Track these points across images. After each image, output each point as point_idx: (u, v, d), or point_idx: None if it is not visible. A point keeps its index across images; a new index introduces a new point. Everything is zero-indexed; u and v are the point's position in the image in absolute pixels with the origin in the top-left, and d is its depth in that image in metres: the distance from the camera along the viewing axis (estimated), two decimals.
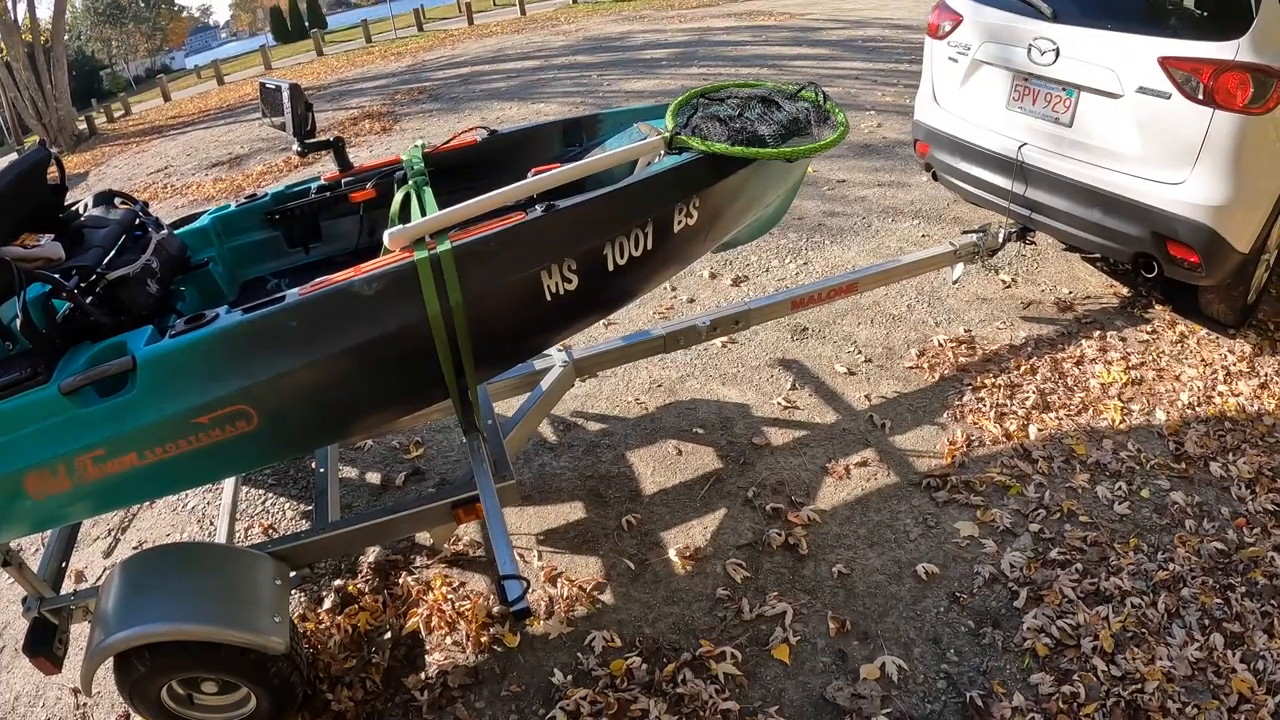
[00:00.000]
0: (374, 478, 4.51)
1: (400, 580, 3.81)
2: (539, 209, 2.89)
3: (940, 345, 5.05)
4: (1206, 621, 3.25)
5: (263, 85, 3.88)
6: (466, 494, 3.18)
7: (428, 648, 3.50)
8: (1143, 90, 4.26)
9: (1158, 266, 4.53)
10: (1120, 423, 4.30)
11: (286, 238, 3.92)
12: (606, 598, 3.60)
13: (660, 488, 4.17)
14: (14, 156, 3.22)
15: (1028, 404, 4.47)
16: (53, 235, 3.15)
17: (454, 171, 3.89)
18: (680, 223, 3.23)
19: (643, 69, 13.99)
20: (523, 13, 28.13)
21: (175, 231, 3.66)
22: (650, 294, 5.43)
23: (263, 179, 11.23)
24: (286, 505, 4.43)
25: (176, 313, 3.34)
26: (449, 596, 3.67)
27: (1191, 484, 3.91)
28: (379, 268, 2.73)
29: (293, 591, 3.79)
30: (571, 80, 14.04)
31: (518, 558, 3.84)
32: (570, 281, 3.01)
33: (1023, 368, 4.76)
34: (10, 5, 21.08)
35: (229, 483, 3.94)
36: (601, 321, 5.39)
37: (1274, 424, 4.22)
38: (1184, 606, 3.31)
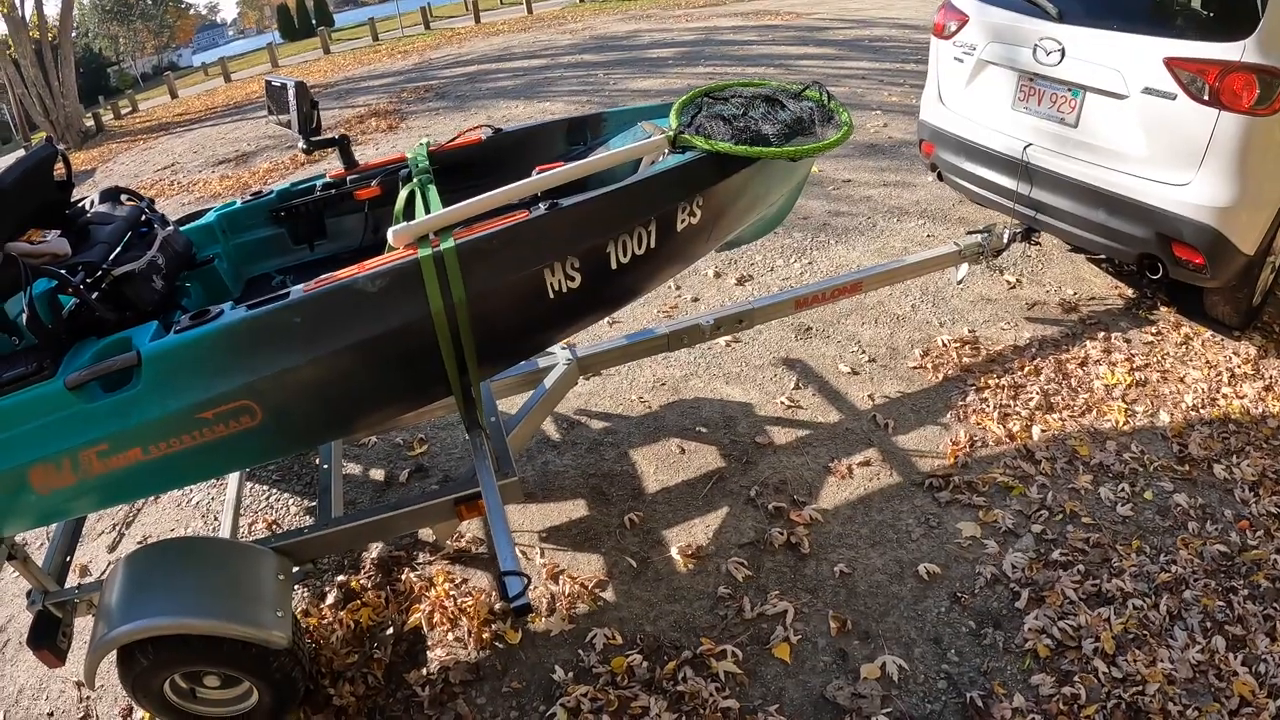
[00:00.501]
0: (377, 474, 4.52)
1: (403, 576, 3.82)
2: (542, 207, 2.90)
3: (944, 345, 5.04)
4: (1208, 624, 3.24)
5: (268, 83, 3.90)
6: (469, 491, 3.19)
7: (429, 644, 3.51)
8: (1148, 91, 4.25)
9: (1163, 268, 4.52)
10: (1124, 424, 4.30)
11: (291, 235, 3.93)
12: (608, 595, 3.61)
13: (663, 486, 4.17)
14: (21, 153, 3.23)
15: (1031, 405, 4.46)
16: (59, 231, 3.15)
17: (458, 169, 3.90)
18: (683, 222, 3.23)
19: (649, 68, 13.99)
20: (530, 11, 28.16)
21: (181, 228, 3.68)
22: (654, 292, 5.43)
23: (269, 176, 11.25)
24: (290, 501, 4.44)
25: (181, 309, 3.35)
26: (451, 593, 3.68)
27: (1195, 486, 3.90)
28: (383, 265, 2.74)
29: (296, 587, 3.80)
30: (578, 79, 14.04)
31: (519, 554, 3.85)
32: (573, 280, 3.02)
33: (1026, 368, 4.76)
34: (18, 2, 21.13)
35: (233, 478, 3.96)
36: (605, 319, 5.40)
37: (1278, 427, 4.21)
38: (1186, 609, 3.31)
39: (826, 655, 3.26)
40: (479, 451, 3.18)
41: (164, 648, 2.84)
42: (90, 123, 23.39)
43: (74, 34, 26.39)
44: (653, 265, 3.28)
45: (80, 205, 3.45)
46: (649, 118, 3.91)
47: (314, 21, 52.94)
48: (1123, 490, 3.89)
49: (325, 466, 3.82)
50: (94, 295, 2.84)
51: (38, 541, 4.41)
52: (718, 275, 6.21)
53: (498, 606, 3.60)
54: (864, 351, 5.08)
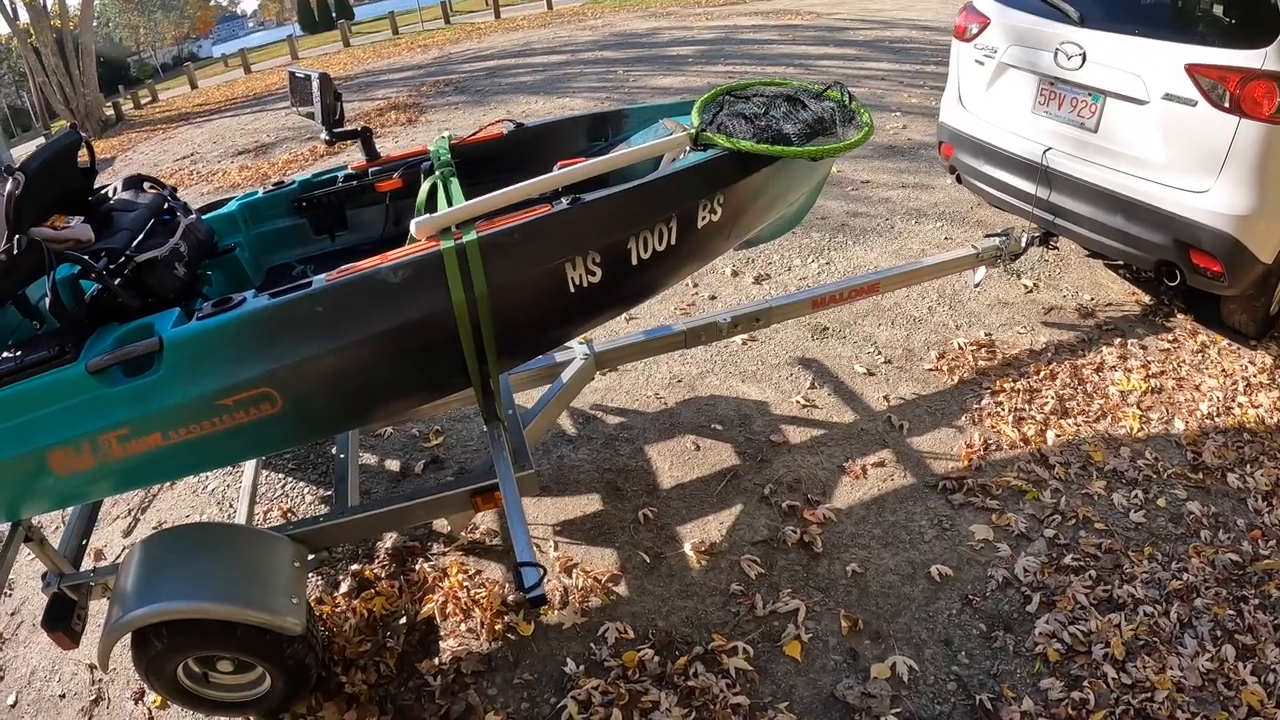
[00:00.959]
0: (393, 465, 4.55)
1: (417, 566, 3.84)
2: (565, 202, 2.91)
3: (960, 348, 5.05)
4: (1218, 633, 3.24)
5: (292, 74, 3.92)
6: (485, 482, 3.21)
7: (442, 634, 3.53)
8: (1169, 97, 4.24)
9: (1180, 275, 4.51)
10: (1138, 431, 4.30)
11: (313, 225, 3.95)
12: (621, 590, 3.63)
13: (677, 482, 4.19)
14: (41, 141, 3.26)
15: (1046, 409, 4.46)
16: (82, 218, 3.18)
17: (479, 163, 3.92)
18: (704, 219, 3.25)
19: (669, 66, 13.99)
20: (549, 7, 28.17)
21: (203, 217, 3.70)
22: (672, 290, 5.45)
23: (288, 167, 11.29)
24: (305, 489, 4.48)
25: (203, 296, 3.37)
26: (464, 584, 3.70)
27: (1208, 494, 3.90)
28: (405, 256, 2.76)
29: (310, 575, 3.82)
30: (597, 76, 14.05)
31: (534, 546, 3.87)
32: (594, 274, 3.03)
33: (1042, 373, 4.76)
34: None
35: (249, 465, 3.98)
36: (623, 316, 5.42)
37: None
38: (1196, 617, 3.31)
39: (837, 654, 3.28)
40: (497, 443, 3.19)
41: (179, 632, 2.85)
42: (110, 112, 23.51)
43: (94, 23, 26.50)
44: (673, 262, 3.30)
45: (103, 193, 3.46)
46: (670, 115, 3.93)
47: (334, 14, 53.11)
48: (1136, 497, 3.89)
49: (342, 456, 3.83)
50: (117, 281, 2.85)
51: (53, 525, 4.44)
52: (735, 274, 6.23)
53: (511, 598, 3.62)
54: (880, 353, 5.09)
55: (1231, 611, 3.32)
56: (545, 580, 3.60)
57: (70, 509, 3.71)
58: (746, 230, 3.67)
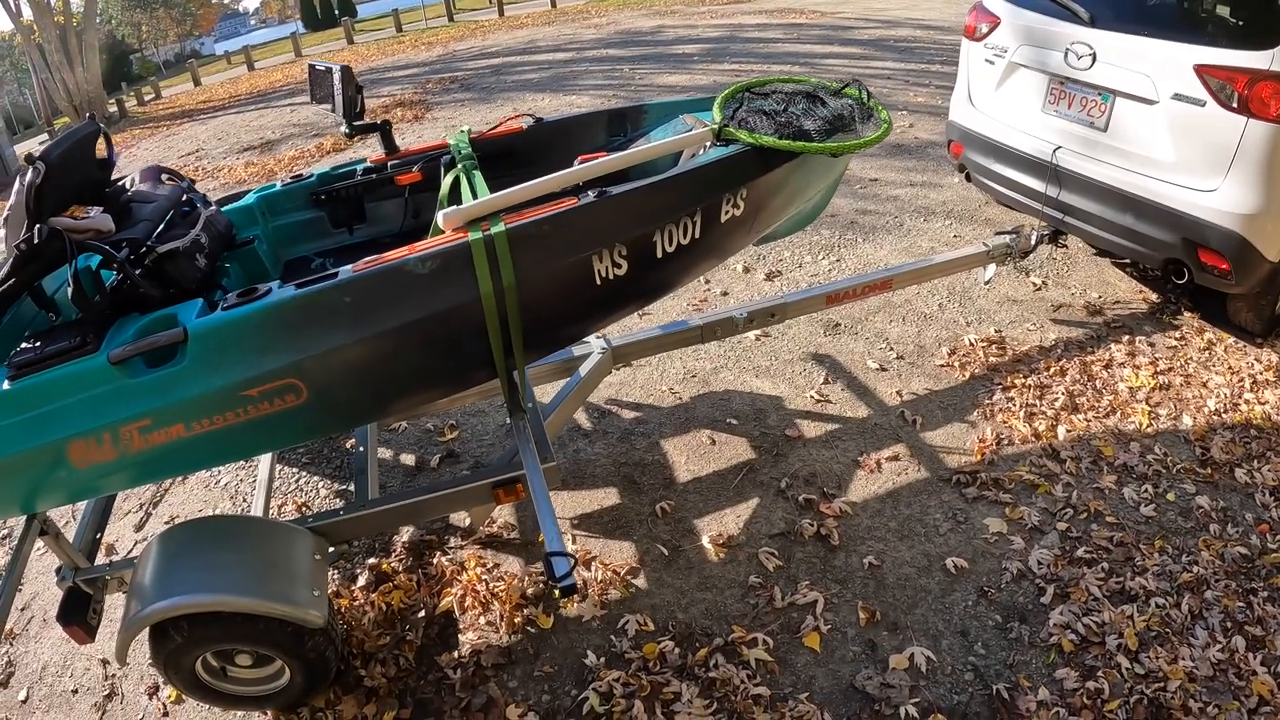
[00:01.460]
0: (409, 459, 4.58)
1: (435, 560, 3.87)
2: (591, 194, 2.93)
3: (971, 345, 5.09)
4: (1229, 624, 3.28)
5: (312, 67, 3.94)
6: (508, 475, 3.22)
7: (461, 627, 3.56)
8: (1178, 97, 4.28)
9: (1188, 273, 4.55)
10: (1147, 426, 4.34)
11: (331, 218, 3.97)
12: (640, 582, 3.67)
13: (694, 476, 4.23)
14: (44, 138, 3.25)
15: (1057, 405, 4.50)
16: (101, 208, 3.15)
17: (499, 157, 3.95)
18: (727, 213, 3.28)
19: (675, 64, 13.99)
20: (553, 5, 28.13)
21: (221, 209, 3.70)
22: (685, 286, 5.48)
23: (294, 163, 11.30)
24: (320, 483, 4.50)
25: (222, 288, 3.38)
26: (483, 577, 3.73)
27: (1217, 489, 3.94)
28: (434, 247, 2.77)
29: (329, 568, 3.84)
30: (603, 73, 14.05)
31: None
32: (620, 267, 3.06)
33: (1052, 369, 4.80)
34: None
35: (265, 459, 3.98)
36: (636, 313, 5.45)
37: None
38: (1207, 608, 3.35)
39: (856, 645, 3.31)
40: (522, 435, 3.22)
41: (199, 625, 2.84)
42: (113, 109, 23.48)
43: (97, 20, 26.48)
44: (695, 255, 3.33)
45: (121, 184, 3.47)
46: (690, 110, 3.96)
47: (336, 12, 53.00)
48: (1146, 491, 3.93)
49: (361, 449, 3.84)
50: (138, 271, 2.85)
51: (64, 520, 4.47)
52: (747, 270, 6.27)
53: (530, 591, 3.66)
54: (892, 349, 5.13)
55: (1241, 603, 3.35)
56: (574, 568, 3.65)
57: (83, 503, 3.71)
58: (766, 225, 3.71)
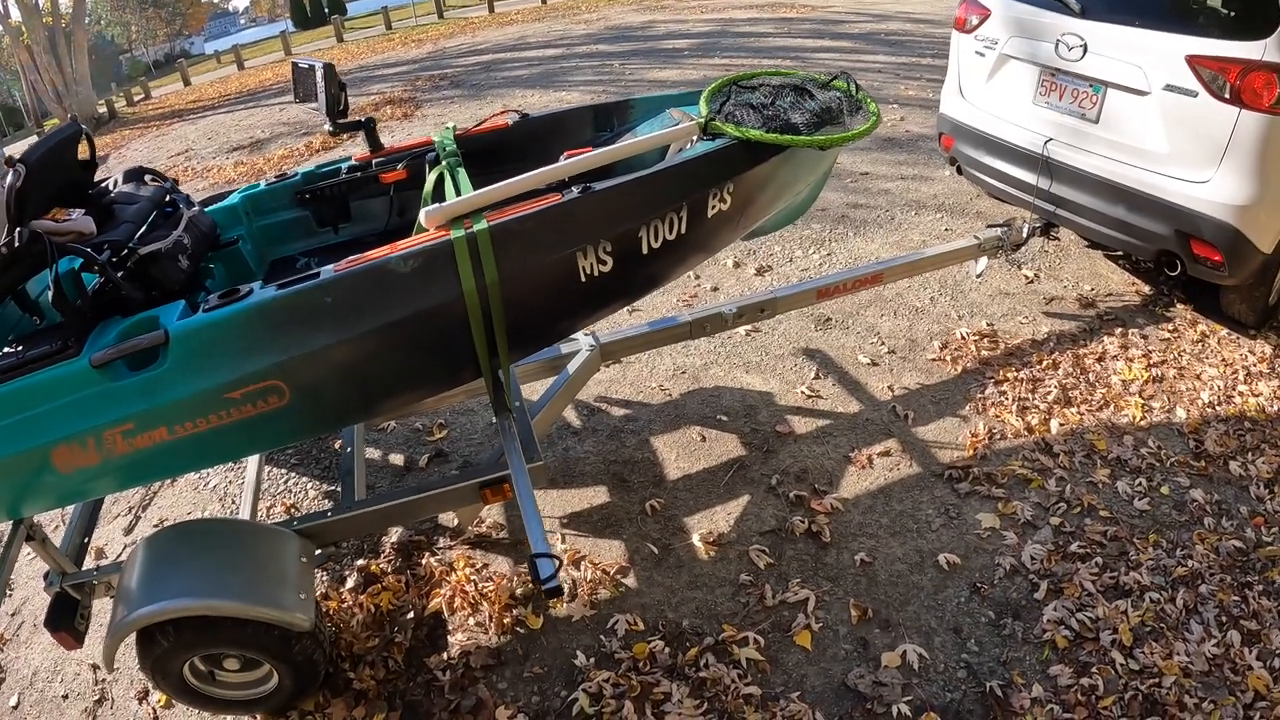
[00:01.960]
0: (397, 459, 4.54)
1: (423, 561, 3.84)
2: (575, 190, 2.90)
3: (963, 338, 5.06)
4: (1224, 618, 3.27)
5: (295, 65, 3.90)
6: (496, 474, 3.19)
7: (450, 628, 3.52)
8: (1170, 88, 4.26)
9: (1181, 265, 4.53)
10: (1141, 419, 4.32)
11: (316, 217, 3.92)
12: (629, 581, 3.63)
13: (684, 473, 4.20)
14: (34, 139, 3.22)
15: (1049, 398, 4.48)
16: (83, 210, 3.14)
17: (485, 154, 3.91)
18: (714, 208, 3.25)
19: (665, 59, 13.96)
20: (543, 1, 28.09)
21: (205, 209, 3.67)
22: (674, 282, 5.44)
23: (284, 162, 11.24)
24: (309, 484, 4.46)
25: (205, 289, 3.36)
26: (472, 578, 3.70)
27: (1211, 482, 3.92)
28: (416, 245, 2.74)
29: (316, 570, 3.82)
30: (593, 69, 14.01)
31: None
32: (605, 263, 3.02)
33: (1044, 362, 4.77)
34: None
35: (253, 461, 3.95)
36: (626, 309, 5.42)
37: None
38: (1202, 603, 3.33)
39: (848, 643, 3.29)
40: (508, 434, 3.19)
41: (185, 629, 2.81)
42: (103, 109, 23.40)
43: (86, 21, 26.38)
44: (682, 251, 3.29)
45: (104, 185, 3.44)
46: (676, 105, 3.92)
47: (326, 10, 52.82)
48: (1139, 485, 3.91)
49: (348, 450, 3.81)
50: (120, 274, 2.82)
51: (53, 524, 4.43)
52: (737, 265, 6.23)
53: (519, 591, 3.62)
54: (883, 343, 5.10)
55: (1236, 597, 3.34)
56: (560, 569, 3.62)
57: (71, 507, 3.68)
58: (754, 220, 3.67)
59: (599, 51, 15.54)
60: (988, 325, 5.18)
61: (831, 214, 6.95)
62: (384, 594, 3.67)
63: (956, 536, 3.71)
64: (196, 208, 3.53)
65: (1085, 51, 4.63)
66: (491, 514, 4.05)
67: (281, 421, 2.82)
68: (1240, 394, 4.45)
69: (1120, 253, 5.76)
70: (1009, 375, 4.68)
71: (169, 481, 4.66)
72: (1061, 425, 4.30)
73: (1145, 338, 4.95)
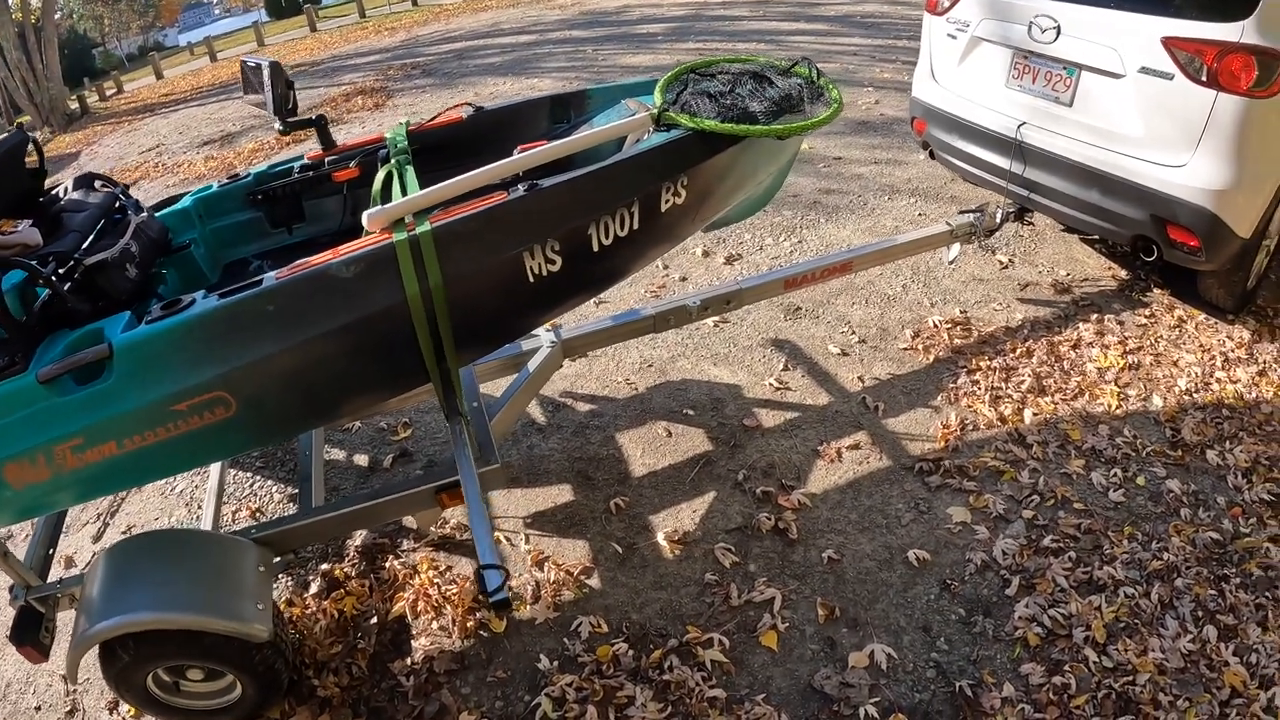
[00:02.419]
0: (361, 459, 4.46)
1: (387, 564, 3.77)
2: (521, 188, 2.84)
3: (935, 326, 4.99)
4: (1200, 613, 3.22)
5: (244, 63, 3.81)
6: (450, 479, 3.13)
7: (414, 633, 3.47)
8: (1145, 70, 4.20)
9: (1157, 250, 4.48)
10: (1116, 408, 4.26)
11: (269, 218, 3.85)
12: (594, 582, 3.57)
13: (649, 470, 4.12)
14: (3, 136, 3.20)
15: (1023, 387, 4.42)
16: (30, 221, 3.11)
17: (439, 149, 3.83)
18: (668, 202, 3.16)
19: (638, 44, 13.85)
20: None
21: (156, 214, 3.62)
22: (641, 272, 5.36)
23: (254, 157, 11.12)
24: (274, 487, 4.39)
25: (158, 297, 3.32)
26: (435, 581, 3.63)
27: (1188, 472, 3.87)
28: (356, 250, 2.68)
29: (280, 575, 3.77)
30: (566, 55, 13.90)
31: (504, 540, 3.81)
32: (553, 263, 2.95)
33: (1018, 350, 4.71)
34: None
35: (215, 466, 3.89)
36: (592, 302, 5.34)
37: (1272, 412, 4.18)
38: (1178, 597, 3.28)
39: (814, 643, 3.23)
40: (458, 440, 3.12)
41: (145, 643, 2.80)
42: (75, 105, 23.13)
43: (57, 15, 26.07)
44: (636, 247, 3.22)
45: (54, 193, 3.40)
46: (634, 94, 3.85)
47: None
48: (1115, 476, 3.86)
49: (306, 454, 3.76)
50: (66, 286, 2.80)
51: (23, 533, 4.34)
52: (706, 254, 6.14)
53: (482, 595, 3.56)
54: (854, 332, 5.03)
55: (1213, 591, 3.29)
56: (516, 575, 3.56)
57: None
58: (713, 212, 3.59)
59: (572, 38, 15.41)
60: (961, 313, 5.11)
61: (803, 200, 6.86)
62: (347, 599, 3.61)
63: (927, 531, 3.64)
64: (145, 213, 3.48)
65: (1058, 34, 4.56)
66: (455, 515, 3.96)
67: (230, 433, 2.78)
68: (1218, 380, 4.40)
69: (1095, 237, 5.70)
70: (982, 364, 4.61)
71: (136, 488, 4.56)
72: (1035, 415, 4.23)
73: (1121, 323, 4.90)
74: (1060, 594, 3.31)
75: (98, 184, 3.52)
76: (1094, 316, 4.97)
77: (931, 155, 5.85)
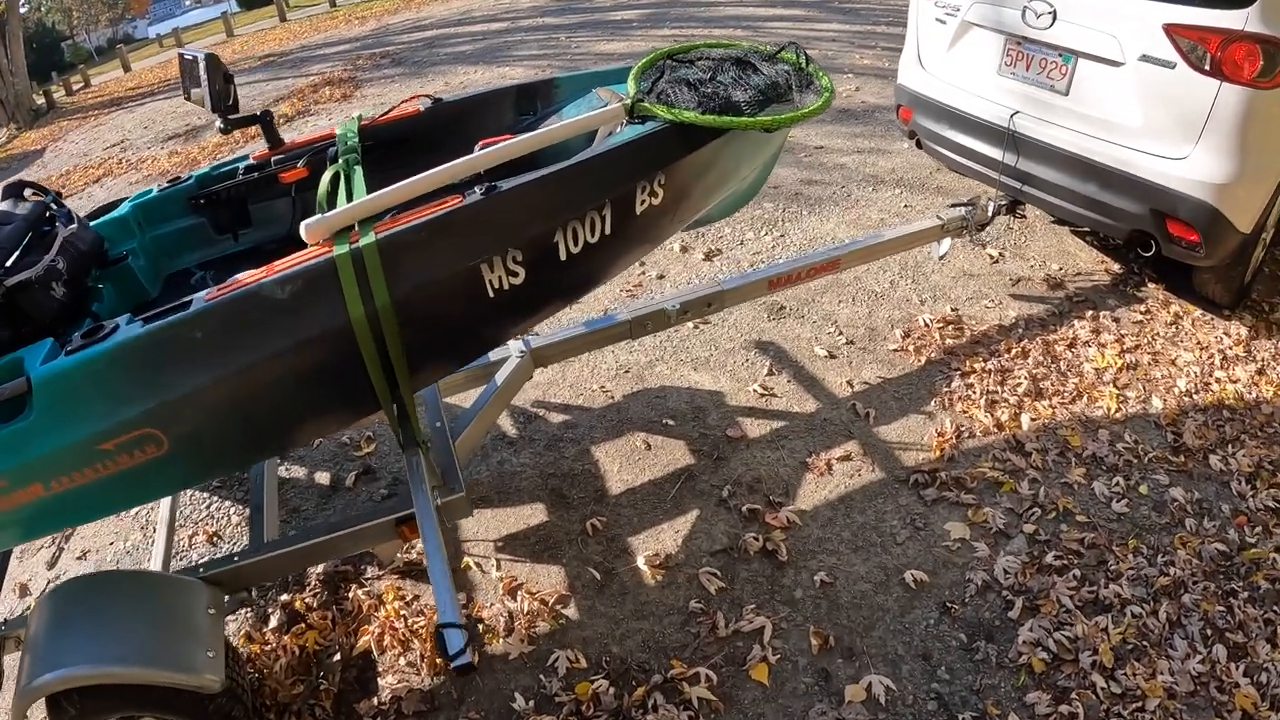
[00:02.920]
0: (323, 478, 4.22)
1: (350, 594, 3.54)
2: (478, 192, 2.58)
3: (926, 325, 4.80)
4: (1209, 631, 3.08)
5: (180, 56, 3.55)
6: (410, 510, 2.88)
7: (380, 669, 3.25)
8: (1146, 59, 4.04)
9: (1155, 245, 4.33)
10: (1116, 411, 4.09)
11: (213, 224, 3.57)
12: (570, 612, 3.35)
13: (627, 487, 3.91)
14: None
15: (1020, 391, 4.24)
16: None
17: (394, 146, 3.58)
18: (643, 203, 2.92)
19: (613, 30, 13.63)
20: None
21: (93, 222, 3.34)
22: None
23: (219, 151, 10.83)
24: (231, 510, 4.15)
25: (94, 315, 3.04)
26: (402, 613, 3.41)
27: (1191, 478, 3.72)
28: (293, 266, 2.43)
29: (239, 609, 3.54)
30: (539, 43, 13.67)
31: (474, 566, 3.60)
32: (516, 275, 2.70)
33: (1013, 350, 4.53)
34: None
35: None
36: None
37: (1272, 413, 4.05)
38: (1186, 615, 3.14)
39: (808, 676, 3.03)
40: (415, 474, 2.86)
41: (90, 697, 2.58)
42: (41, 100, 22.73)
43: (24, 8, 25.60)
44: (609, 253, 2.98)
45: None
46: (605, 83, 3.62)
47: None
48: (1117, 484, 3.69)
49: (258, 481, 3.52)
50: None
51: None
52: (684, 250, 5.92)
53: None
54: (841, 333, 4.83)
55: (1221, 607, 3.15)
56: (485, 608, 3.35)
57: None
58: (693, 212, 3.37)
59: (545, 24, 15.16)
60: (952, 311, 4.92)
61: (784, 192, 6.65)
62: (309, 633, 3.37)
63: (924, 550, 3.45)
64: (76, 225, 3.19)
65: (1054, 19, 4.37)
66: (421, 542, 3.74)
67: (165, 471, 2.54)
68: (1218, 380, 4.25)
69: (1088, 229, 5.52)
70: (976, 366, 4.42)
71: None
72: (1033, 420, 4.05)
73: (1117, 320, 4.73)
74: (1065, 615, 3.14)
75: (27, 193, 3.23)
76: (1089, 313, 4.80)
77: (918, 144, 5.66)
